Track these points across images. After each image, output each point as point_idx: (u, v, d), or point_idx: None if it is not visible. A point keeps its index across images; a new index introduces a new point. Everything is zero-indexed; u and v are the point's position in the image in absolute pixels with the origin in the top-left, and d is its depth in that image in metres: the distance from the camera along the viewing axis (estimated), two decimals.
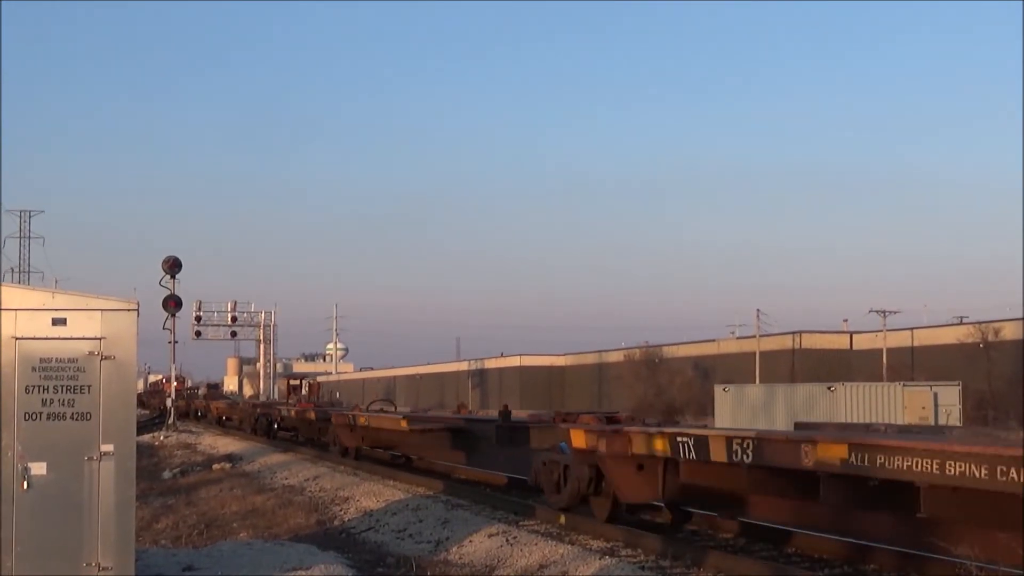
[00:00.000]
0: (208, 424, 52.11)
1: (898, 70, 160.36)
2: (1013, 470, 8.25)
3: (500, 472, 21.01)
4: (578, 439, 14.59)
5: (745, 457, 11.28)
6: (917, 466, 9.12)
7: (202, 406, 57.45)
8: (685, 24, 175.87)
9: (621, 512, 14.44)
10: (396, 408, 32.76)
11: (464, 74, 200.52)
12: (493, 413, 31.22)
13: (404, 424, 23.05)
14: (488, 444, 20.51)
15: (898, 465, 9.28)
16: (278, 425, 37.06)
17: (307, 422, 32.88)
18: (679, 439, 12.43)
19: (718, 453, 11.73)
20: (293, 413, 35.78)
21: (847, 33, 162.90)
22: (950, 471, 8.81)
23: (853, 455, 9.77)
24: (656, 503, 14.54)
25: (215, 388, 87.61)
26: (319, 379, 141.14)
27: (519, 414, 25.51)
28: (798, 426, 14.54)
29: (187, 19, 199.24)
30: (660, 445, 12.85)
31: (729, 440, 11.55)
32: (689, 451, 12.22)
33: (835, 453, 10.04)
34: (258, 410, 41.82)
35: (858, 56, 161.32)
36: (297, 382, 66.78)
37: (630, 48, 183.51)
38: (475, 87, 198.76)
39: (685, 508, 14.47)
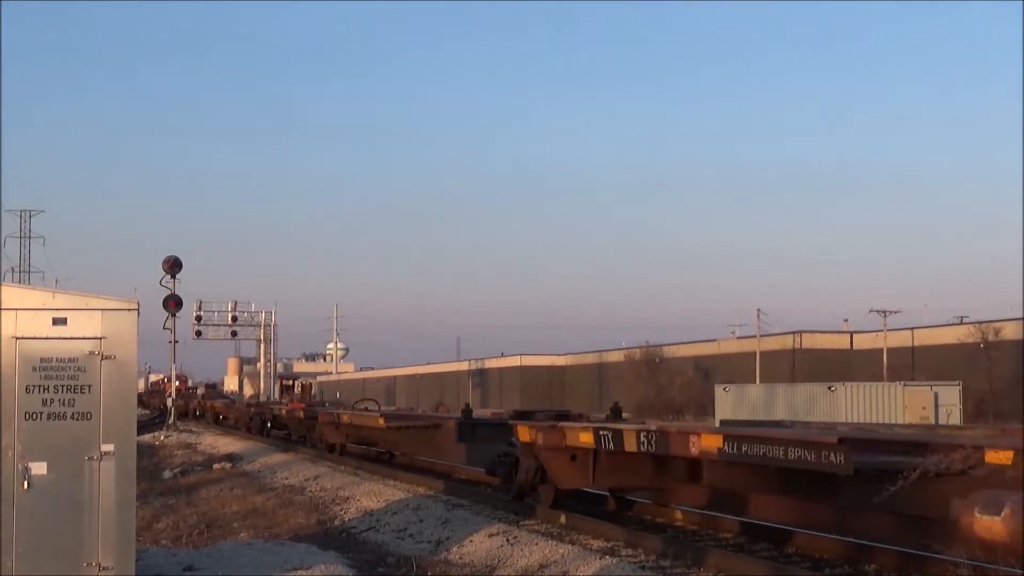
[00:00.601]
0: (206, 423, 52.82)
1: (898, 70, 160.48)
2: (832, 454, 9.92)
3: (465, 465, 22.28)
4: (523, 434, 16.06)
5: (650, 447, 12.97)
6: (770, 452, 10.83)
7: (199, 405, 58.53)
8: (686, 23, 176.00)
9: (564, 499, 15.83)
10: (380, 408, 34.32)
11: (464, 74, 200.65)
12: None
13: (381, 422, 24.83)
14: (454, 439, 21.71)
15: (757, 452, 11.04)
16: (271, 424, 38.30)
17: (297, 420, 34.28)
18: (600, 432, 14.15)
19: (630, 444, 13.38)
20: (284, 412, 37.03)
21: (848, 33, 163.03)
22: (792, 455, 10.54)
23: (727, 444, 11.42)
24: (595, 491, 16.27)
25: (212, 388, 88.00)
26: (319, 379, 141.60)
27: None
28: (722, 423, 15.53)
29: (187, 18, 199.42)
30: (586, 438, 14.51)
31: (638, 433, 13.33)
32: (608, 442, 13.87)
33: (714, 443, 11.63)
34: (252, 409, 43.49)
35: (858, 56, 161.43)
36: (290, 382, 68.76)
37: (630, 47, 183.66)
38: (475, 87, 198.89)
39: (626, 496, 16.20)
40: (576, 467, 15.16)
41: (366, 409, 30.55)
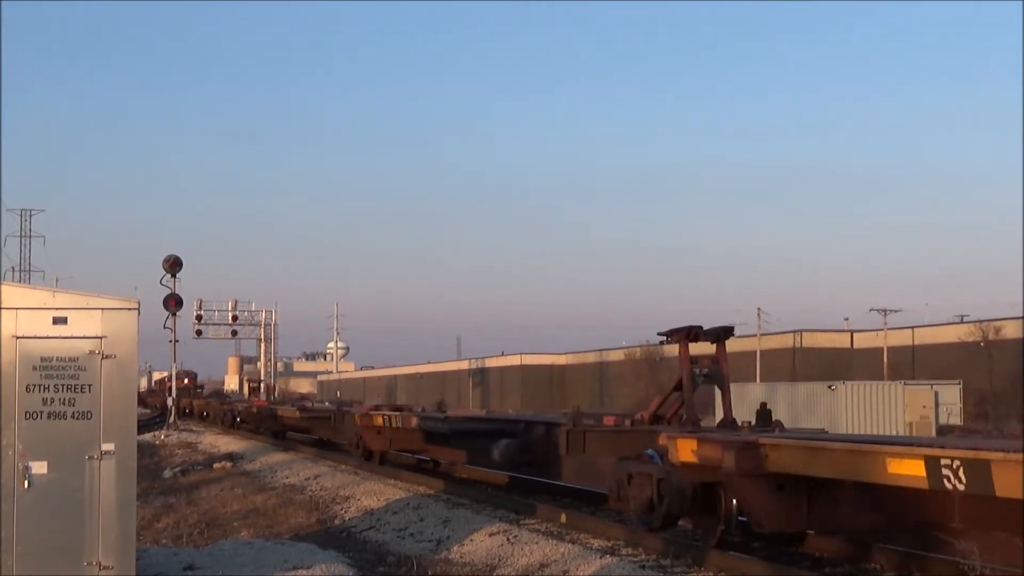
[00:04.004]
0: (198, 421, 55.13)
1: (898, 70, 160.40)
2: (442, 423, 20.95)
3: (336, 438, 30.62)
4: (357, 418, 25.94)
5: (398, 423, 22.64)
6: (431, 424, 21.57)
7: (188, 404, 62.65)
8: (687, 24, 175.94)
9: (387, 459, 24.70)
10: (312, 405, 42.77)
11: (464, 74, 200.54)
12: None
13: (298, 414, 34.43)
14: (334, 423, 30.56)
15: (429, 424, 21.62)
16: (240, 419, 44.31)
17: (254, 415, 42.05)
18: (385, 415, 23.86)
19: (395, 422, 22.85)
20: (245, 409, 44.64)
21: (848, 33, 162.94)
22: (437, 426, 21.06)
23: (419, 421, 22.33)
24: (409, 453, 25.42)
25: (200, 389, 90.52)
26: (319, 378, 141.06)
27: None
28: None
29: (187, 18, 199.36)
30: (379, 420, 24.03)
31: (401, 417, 23.15)
32: (388, 421, 23.36)
33: (414, 421, 22.21)
34: (224, 406, 51.00)
35: (859, 56, 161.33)
36: (256, 384, 74.93)
37: (631, 47, 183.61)
38: (475, 87, 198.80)
39: (434, 459, 24.51)
40: (379, 438, 24.28)
41: (302, 406, 39.00)
